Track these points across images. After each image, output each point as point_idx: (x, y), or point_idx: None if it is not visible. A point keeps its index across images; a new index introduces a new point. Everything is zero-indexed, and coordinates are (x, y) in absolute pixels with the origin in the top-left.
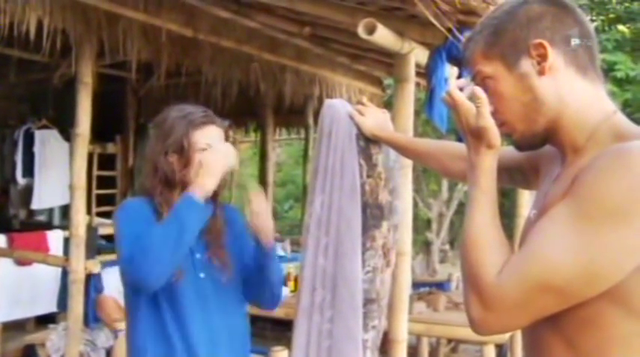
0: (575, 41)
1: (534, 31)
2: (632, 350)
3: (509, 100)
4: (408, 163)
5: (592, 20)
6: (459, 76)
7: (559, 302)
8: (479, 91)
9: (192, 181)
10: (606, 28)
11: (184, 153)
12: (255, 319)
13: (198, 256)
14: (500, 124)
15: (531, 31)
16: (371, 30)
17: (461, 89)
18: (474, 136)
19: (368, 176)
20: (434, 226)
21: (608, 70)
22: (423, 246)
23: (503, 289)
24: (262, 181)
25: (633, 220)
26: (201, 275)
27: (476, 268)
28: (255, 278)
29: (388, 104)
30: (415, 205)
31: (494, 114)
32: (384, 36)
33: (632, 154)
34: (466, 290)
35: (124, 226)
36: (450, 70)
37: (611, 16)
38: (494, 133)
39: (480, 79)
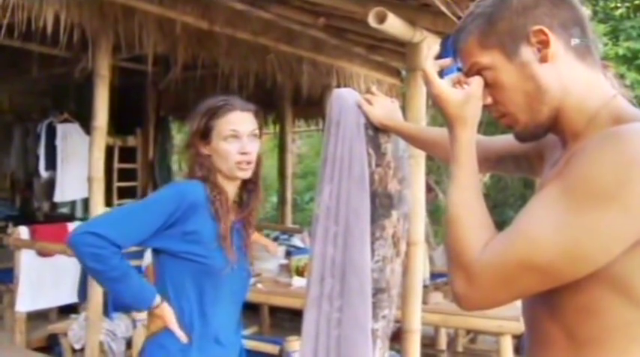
0: (572, 26)
1: (532, 17)
2: (631, 338)
3: (510, 90)
4: (420, 153)
5: (617, 7)
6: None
7: (542, 281)
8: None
9: (219, 167)
10: (631, 15)
11: (212, 143)
12: (273, 310)
13: (236, 247)
14: (501, 116)
15: (529, 18)
16: (382, 19)
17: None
18: (449, 112)
19: (377, 165)
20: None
21: (633, 58)
22: (443, 237)
23: (486, 266)
24: (282, 172)
25: (619, 202)
26: (235, 267)
27: (459, 244)
28: None
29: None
30: (436, 196)
31: (494, 106)
32: (395, 25)
33: (623, 136)
34: (450, 266)
35: (142, 207)
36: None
37: (637, 2)
38: (471, 107)
39: (476, 71)
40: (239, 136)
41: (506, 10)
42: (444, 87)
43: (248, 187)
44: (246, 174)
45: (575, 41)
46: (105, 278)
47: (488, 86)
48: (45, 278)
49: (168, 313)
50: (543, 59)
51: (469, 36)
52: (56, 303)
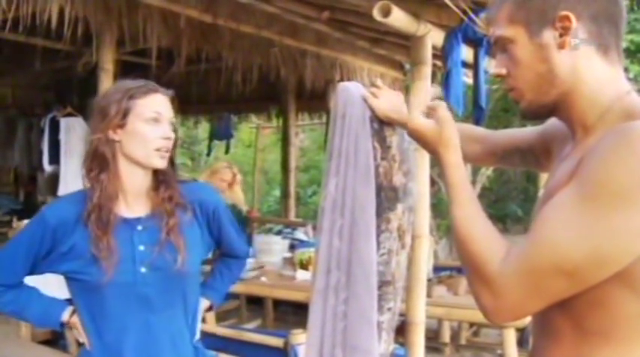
0: (603, 20)
1: (564, 2)
2: (638, 330)
3: (524, 67)
4: None
5: None
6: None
7: (570, 286)
8: (438, 103)
9: (134, 155)
10: (635, 8)
11: (128, 125)
12: (277, 303)
13: (142, 247)
14: (510, 89)
15: (562, 2)
16: (386, 12)
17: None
18: (427, 139)
19: (382, 158)
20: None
21: (636, 51)
22: (446, 230)
23: (512, 277)
24: (285, 166)
25: (638, 202)
26: (143, 270)
27: (477, 260)
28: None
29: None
30: (439, 189)
31: (507, 78)
32: (399, 18)
33: (637, 133)
34: (473, 283)
35: (13, 244)
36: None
37: None
38: (446, 130)
39: (501, 42)
40: (161, 119)
41: None
42: (418, 120)
43: (159, 176)
44: (164, 163)
45: (600, 33)
46: (7, 313)
47: (507, 58)
48: None
49: (76, 328)
50: (561, 45)
51: (503, 5)
52: (61, 295)
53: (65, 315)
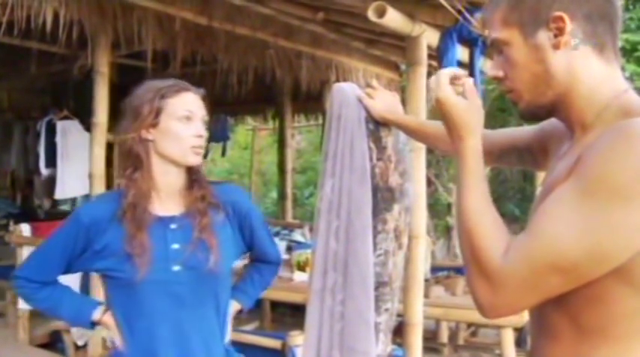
0: (598, 19)
1: (558, 2)
2: (636, 327)
3: (520, 69)
4: (421, 146)
5: None
6: (471, 57)
7: (567, 282)
8: (468, 83)
9: (168, 153)
10: (630, 7)
11: (161, 124)
12: (275, 305)
13: (175, 246)
14: (509, 91)
15: (556, 2)
16: (381, 13)
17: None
18: (454, 123)
19: (378, 159)
20: (454, 210)
21: (631, 50)
22: (444, 230)
23: (510, 272)
24: (281, 168)
25: (637, 198)
26: (176, 268)
27: (479, 253)
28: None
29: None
30: (435, 189)
31: (504, 80)
32: (394, 19)
33: (635, 130)
34: (471, 276)
35: (50, 243)
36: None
37: None
38: (474, 117)
39: (496, 44)
40: (193, 118)
41: None
42: (454, 96)
43: (191, 176)
44: (199, 160)
45: (595, 32)
46: (41, 309)
47: (503, 60)
48: None
49: (108, 326)
50: (556, 46)
51: (496, 8)
52: None
53: (97, 314)
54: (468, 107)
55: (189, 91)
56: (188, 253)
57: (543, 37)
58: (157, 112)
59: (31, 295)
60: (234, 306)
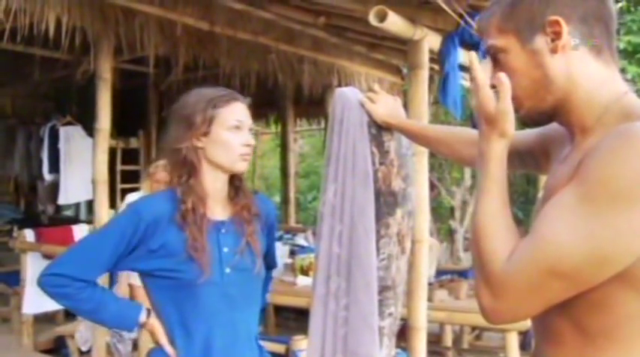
0: (593, 21)
1: (553, 7)
2: None
3: (519, 75)
4: (423, 150)
5: (617, 1)
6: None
7: (569, 288)
8: (503, 76)
9: (218, 161)
10: (632, 9)
11: (212, 133)
12: (278, 309)
13: (226, 249)
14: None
15: (549, 7)
16: (382, 17)
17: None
18: (488, 123)
19: (380, 164)
20: (457, 214)
21: (633, 52)
22: (446, 234)
23: (510, 277)
24: (284, 172)
25: (639, 202)
26: (227, 270)
27: (485, 256)
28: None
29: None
30: (438, 193)
31: None
32: (395, 23)
33: (636, 134)
34: (476, 280)
35: (100, 236)
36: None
37: None
38: (510, 120)
39: (492, 52)
40: (242, 127)
41: None
42: (511, 106)
43: (235, 183)
44: (246, 166)
45: (591, 34)
46: (80, 312)
47: (501, 68)
48: None
49: (156, 329)
50: (554, 50)
51: (491, 17)
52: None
53: (142, 316)
54: (505, 112)
55: (239, 101)
56: (237, 256)
57: (541, 42)
58: (210, 122)
59: (73, 296)
60: None
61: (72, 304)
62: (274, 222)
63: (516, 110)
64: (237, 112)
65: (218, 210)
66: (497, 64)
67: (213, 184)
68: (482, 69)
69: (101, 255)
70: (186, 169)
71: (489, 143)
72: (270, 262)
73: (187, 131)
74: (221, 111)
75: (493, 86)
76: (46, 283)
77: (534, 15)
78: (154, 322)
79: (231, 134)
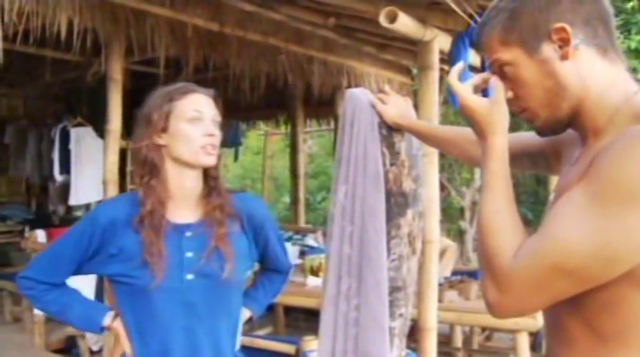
0: (595, 22)
1: (554, 14)
2: None
3: (531, 86)
4: (433, 151)
5: (628, 0)
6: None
7: (575, 285)
8: (494, 79)
9: (181, 156)
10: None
11: (171, 127)
12: (288, 310)
13: (189, 254)
14: (522, 111)
15: (551, 14)
16: (392, 18)
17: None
18: (478, 122)
19: (391, 164)
20: (467, 214)
21: None
22: (456, 235)
23: (517, 272)
24: (294, 172)
25: None
26: (189, 277)
27: (491, 252)
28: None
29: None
30: (448, 194)
31: (514, 101)
32: (405, 24)
33: None
34: (483, 275)
35: (61, 243)
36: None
37: None
38: (502, 112)
39: (498, 66)
40: (202, 118)
41: (529, 6)
42: (471, 97)
43: (209, 183)
44: (212, 160)
45: (595, 35)
46: (49, 313)
47: (510, 81)
48: None
49: (120, 334)
50: (564, 57)
51: (492, 31)
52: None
53: (107, 319)
54: (490, 107)
55: (197, 92)
56: (202, 261)
57: (548, 50)
58: (167, 116)
59: (38, 297)
60: (244, 313)
61: (40, 306)
62: (264, 222)
63: (532, 122)
64: (194, 103)
65: (185, 212)
66: (506, 77)
67: (180, 183)
68: (455, 73)
69: (61, 260)
70: (148, 168)
71: (486, 140)
72: (270, 265)
73: (146, 129)
74: (177, 104)
75: (506, 100)
76: (19, 285)
77: (538, 24)
78: (119, 326)
79: (190, 126)
